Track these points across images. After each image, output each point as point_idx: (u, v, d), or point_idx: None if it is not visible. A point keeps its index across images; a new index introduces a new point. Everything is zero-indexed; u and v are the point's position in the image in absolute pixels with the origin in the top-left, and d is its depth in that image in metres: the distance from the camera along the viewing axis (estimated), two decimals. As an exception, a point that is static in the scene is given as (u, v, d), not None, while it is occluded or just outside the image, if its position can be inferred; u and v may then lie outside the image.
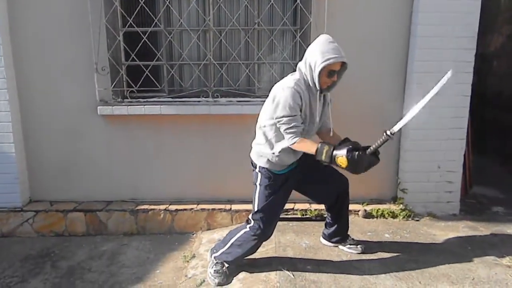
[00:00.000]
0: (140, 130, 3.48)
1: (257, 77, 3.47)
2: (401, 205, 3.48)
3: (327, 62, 2.17)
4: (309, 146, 2.26)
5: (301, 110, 2.28)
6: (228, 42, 3.43)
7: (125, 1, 3.35)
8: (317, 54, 2.20)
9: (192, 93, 3.47)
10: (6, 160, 3.43)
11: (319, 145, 2.23)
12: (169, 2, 3.30)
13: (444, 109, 3.28)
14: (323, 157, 2.20)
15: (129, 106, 3.37)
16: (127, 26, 3.35)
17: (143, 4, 3.26)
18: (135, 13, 3.30)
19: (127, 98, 3.45)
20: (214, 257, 2.65)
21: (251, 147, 2.57)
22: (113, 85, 3.37)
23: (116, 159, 3.55)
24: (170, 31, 3.41)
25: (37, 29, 3.30)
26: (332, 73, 2.25)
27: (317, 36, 2.32)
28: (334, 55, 2.18)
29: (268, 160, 2.42)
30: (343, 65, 2.27)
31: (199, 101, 3.41)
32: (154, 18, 3.30)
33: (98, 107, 3.37)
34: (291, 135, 2.26)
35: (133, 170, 3.57)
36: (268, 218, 2.48)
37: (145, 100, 3.42)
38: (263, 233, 2.49)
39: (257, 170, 2.49)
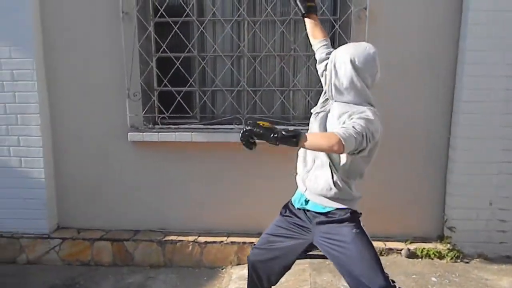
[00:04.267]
0: (170, 157, 3.37)
1: (292, 104, 3.32)
2: (448, 244, 3.20)
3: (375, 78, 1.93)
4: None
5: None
6: (263, 68, 3.31)
7: (159, 26, 3.31)
8: None
9: (224, 120, 3.35)
10: (35, 186, 3.39)
11: None
12: (203, 28, 3.23)
13: (493, 141, 3.03)
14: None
15: (159, 133, 3.28)
16: (160, 52, 3.30)
17: (176, 30, 3.20)
18: (169, 38, 3.24)
19: (158, 124, 3.36)
20: None
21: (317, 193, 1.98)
22: (144, 111, 3.30)
23: (144, 187, 3.44)
24: (204, 56, 3.33)
25: (70, 54, 3.29)
26: None
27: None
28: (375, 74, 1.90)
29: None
30: None
31: (231, 129, 3.28)
32: (188, 44, 3.23)
33: (129, 133, 3.30)
34: None
35: (162, 198, 3.45)
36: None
37: (176, 126, 3.32)
38: None
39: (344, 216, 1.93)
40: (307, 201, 1.99)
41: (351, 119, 1.76)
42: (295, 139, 1.66)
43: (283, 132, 1.67)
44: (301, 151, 2.01)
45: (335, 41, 3.20)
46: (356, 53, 1.81)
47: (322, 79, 2.08)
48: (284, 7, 3.24)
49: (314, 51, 2.17)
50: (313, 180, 1.94)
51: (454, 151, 3.11)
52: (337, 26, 3.13)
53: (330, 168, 1.88)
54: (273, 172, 3.22)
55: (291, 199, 2.11)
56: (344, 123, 1.78)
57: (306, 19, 2.17)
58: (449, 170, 3.19)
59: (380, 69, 1.85)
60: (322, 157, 1.91)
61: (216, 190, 3.39)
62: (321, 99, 2.03)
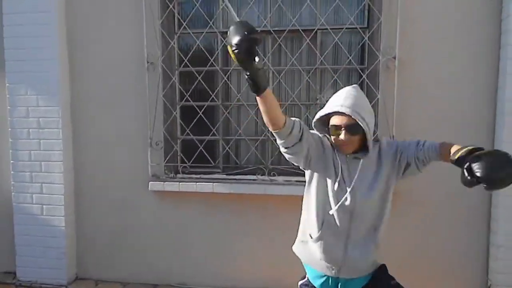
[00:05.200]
0: (192, 208, 3.26)
1: (318, 155, 3.17)
2: (492, 312, 2.87)
3: (320, 114, 1.75)
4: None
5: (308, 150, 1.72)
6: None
7: (183, 75, 3.29)
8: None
9: (247, 171, 3.22)
10: (55, 234, 3.34)
11: None
12: (227, 78, 3.18)
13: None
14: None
15: (180, 183, 3.19)
16: (184, 100, 3.26)
17: (200, 80, 3.16)
18: (193, 87, 3.20)
19: (180, 174, 3.28)
20: None
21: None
22: (166, 160, 3.23)
23: (164, 238, 3.32)
24: (228, 105, 3.26)
25: (94, 101, 3.30)
26: (334, 129, 1.70)
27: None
28: (327, 106, 1.73)
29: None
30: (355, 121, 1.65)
31: (254, 180, 3.15)
32: (211, 93, 3.17)
33: (150, 182, 3.22)
34: None
35: (182, 251, 3.31)
36: None
37: (198, 176, 3.23)
38: None
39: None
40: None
41: None
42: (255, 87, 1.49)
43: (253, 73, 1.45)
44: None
45: (363, 90, 3.07)
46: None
47: None
48: (310, 57, 3.16)
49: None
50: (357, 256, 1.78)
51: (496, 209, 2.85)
52: (364, 76, 3.00)
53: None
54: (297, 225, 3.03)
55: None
56: None
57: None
58: (492, 231, 2.90)
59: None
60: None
61: (239, 243, 3.22)
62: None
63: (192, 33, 3.14)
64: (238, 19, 1.49)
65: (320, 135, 1.80)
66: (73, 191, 3.40)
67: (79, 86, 3.32)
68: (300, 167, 1.82)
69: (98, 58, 3.26)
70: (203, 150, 3.22)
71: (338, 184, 1.72)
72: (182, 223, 3.30)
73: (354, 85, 1.77)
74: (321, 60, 3.04)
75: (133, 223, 3.36)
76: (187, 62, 3.16)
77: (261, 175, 3.16)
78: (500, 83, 2.80)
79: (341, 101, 1.68)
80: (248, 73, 1.46)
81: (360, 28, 3.00)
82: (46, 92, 3.25)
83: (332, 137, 1.73)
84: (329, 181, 1.75)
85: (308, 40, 3.03)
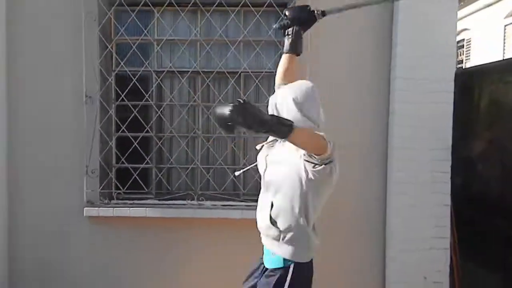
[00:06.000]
0: (126, 232, 3.48)
1: (242, 182, 3.56)
2: (389, 317, 3.36)
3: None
4: None
5: None
6: (215, 148, 3.59)
7: (120, 109, 3.57)
8: None
9: (178, 196, 3.53)
10: (-14, 263, 3.40)
11: None
12: (161, 112, 3.52)
13: (424, 220, 3.34)
14: None
15: (115, 208, 3.42)
16: (120, 131, 3.53)
17: (136, 113, 3.47)
18: (128, 120, 3.49)
19: (114, 199, 3.51)
20: None
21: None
22: (101, 187, 3.46)
23: (99, 264, 3.49)
24: (161, 137, 3.58)
25: (33, 132, 3.47)
26: None
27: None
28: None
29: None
30: None
31: (184, 204, 3.46)
32: (146, 126, 3.49)
33: (85, 208, 3.42)
34: None
35: (117, 275, 3.50)
36: None
37: (131, 202, 3.48)
38: None
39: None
40: None
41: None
42: (288, 127, 1.62)
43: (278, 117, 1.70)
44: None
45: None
46: (295, 90, 1.91)
47: None
48: (235, 96, 3.59)
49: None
50: None
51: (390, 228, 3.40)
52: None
53: None
54: (221, 247, 3.39)
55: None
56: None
57: (286, 55, 2.18)
58: (388, 245, 3.43)
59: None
60: None
61: (170, 266, 3.49)
62: (268, 140, 2.12)
63: (129, 71, 3.46)
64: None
65: None
66: (6, 220, 3.49)
67: (17, 117, 3.47)
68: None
69: (38, 92, 3.44)
70: (137, 178, 3.49)
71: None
72: (116, 247, 3.49)
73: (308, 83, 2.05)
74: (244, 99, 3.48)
75: (66, 249, 3.49)
76: (124, 97, 3.47)
77: (191, 200, 3.49)
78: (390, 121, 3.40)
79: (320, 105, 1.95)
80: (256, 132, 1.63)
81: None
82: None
83: None
84: None
85: (233, 81, 3.47)
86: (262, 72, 3.45)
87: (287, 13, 2.14)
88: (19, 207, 3.50)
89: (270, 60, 3.49)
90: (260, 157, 2.15)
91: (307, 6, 2.17)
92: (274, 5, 3.34)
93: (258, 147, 2.17)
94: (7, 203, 3.50)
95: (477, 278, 4.21)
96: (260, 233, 2.11)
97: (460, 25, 8.77)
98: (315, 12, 2.13)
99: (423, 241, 3.36)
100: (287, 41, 2.16)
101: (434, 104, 3.29)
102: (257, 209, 2.12)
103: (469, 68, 7.90)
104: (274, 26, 2.25)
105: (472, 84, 4.50)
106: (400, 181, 3.34)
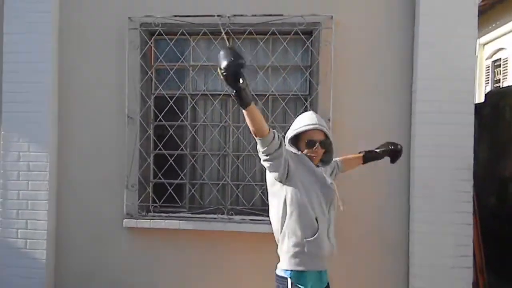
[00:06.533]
0: (161, 242, 3.76)
1: (269, 198, 3.77)
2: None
3: (298, 130, 2.22)
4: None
5: (289, 164, 2.13)
6: (245, 166, 3.83)
7: (158, 128, 3.89)
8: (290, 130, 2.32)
9: (209, 210, 3.78)
10: (36, 266, 3.74)
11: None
12: (194, 132, 3.81)
13: (446, 237, 3.43)
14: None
15: (151, 220, 3.71)
16: (157, 149, 3.84)
17: (172, 133, 3.77)
18: (165, 138, 3.80)
19: (151, 212, 3.80)
20: None
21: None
22: (139, 200, 3.76)
23: (136, 270, 3.78)
24: (194, 154, 3.86)
25: (80, 151, 3.84)
26: (311, 144, 2.20)
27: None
28: (305, 123, 2.21)
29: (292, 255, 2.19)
30: (326, 136, 2.24)
31: (215, 218, 3.70)
32: (181, 144, 3.79)
33: (124, 219, 3.72)
34: None
35: (152, 281, 3.77)
36: None
37: (166, 215, 3.76)
38: None
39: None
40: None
41: None
42: (253, 100, 1.90)
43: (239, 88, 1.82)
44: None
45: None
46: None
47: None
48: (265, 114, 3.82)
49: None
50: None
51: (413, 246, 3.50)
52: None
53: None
54: (250, 259, 3.59)
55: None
56: None
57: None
58: (411, 263, 3.52)
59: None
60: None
61: (201, 274, 3.72)
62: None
63: (166, 94, 3.78)
64: (228, 45, 1.98)
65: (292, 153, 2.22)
66: (55, 227, 3.85)
67: (65, 136, 3.86)
68: (278, 176, 2.12)
69: (85, 112, 3.84)
70: (172, 192, 3.77)
71: (320, 183, 2.20)
72: (152, 257, 3.78)
73: (311, 111, 2.51)
74: (272, 120, 3.73)
75: (107, 256, 3.81)
76: (161, 118, 3.78)
77: (221, 214, 3.73)
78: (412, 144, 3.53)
79: (315, 120, 2.19)
80: (234, 91, 1.83)
81: (302, 95, 3.73)
82: (36, 139, 3.77)
83: (306, 150, 2.22)
84: (309, 182, 2.17)
85: (261, 103, 3.73)
86: (289, 95, 3.69)
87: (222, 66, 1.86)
88: (67, 216, 3.86)
89: (296, 84, 3.72)
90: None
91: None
92: (300, 33, 3.59)
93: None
94: (56, 212, 3.86)
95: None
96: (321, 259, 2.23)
97: (496, 45, 8.72)
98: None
99: (445, 259, 3.43)
100: (235, 96, 1.90)
101: (454, 125, 3.41)
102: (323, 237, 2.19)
103: (501, 88, 7.85)
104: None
105: (504, 104, 4.56)
106: (419, 195, 3.46)
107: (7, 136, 3.80)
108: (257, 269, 3.55)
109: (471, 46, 3.46)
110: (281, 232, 2.22)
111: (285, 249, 2.20)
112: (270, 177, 2.21)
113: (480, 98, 7.72)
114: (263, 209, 3.74)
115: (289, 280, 2.16)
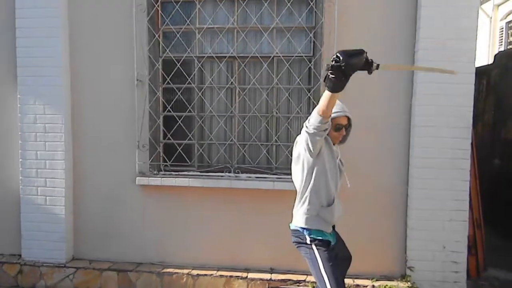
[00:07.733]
0: (171, 199, 3.97)
1: (274, 157, 3.93)
2: (409, 282, 3.64)
3: (334, 115, 2.44)
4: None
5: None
6: (250, 127, 3.96)
7: (166, 91, 4.02)
8: None
9: (217, 169, 3.96)
10: (56, 221, 4.00)
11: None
12: (202, 94, 3.93)
13: (444, 192, 3.56)
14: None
15: (162, 178, 3.91)
16: (166, 111, 3.99)
17: (179, 95, 3.90)
18: (173, 101, 3.94)
19: (162, 171, 4.00)
20: None
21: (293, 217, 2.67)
22: (150, 160, 3.94)
23: (148, 225, 4.02)
24: (202, 116, 4.00)
25: (93, 112, 4.01)
26: (339, 127, 2.53)
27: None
28: (338, 110, 2.49)
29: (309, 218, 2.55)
30: (349, 121, 2.58)
31: (222, 176, 3.89)
32: (188, 106, 3.92)
33: (137, 178, 3.93)
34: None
35: (163, 235, 4.01)
36: None
37: (176, 173, 3.95)
38: None
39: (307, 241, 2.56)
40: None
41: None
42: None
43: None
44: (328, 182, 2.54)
45: (310, 107, 3.84)
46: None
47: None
48: (268, 79, 3.93)
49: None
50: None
51: (411, 200, 3.65)
52: (309, 94, 3.78)
53: None
54: (255, 214, 3.80)
55: (327, 240, 2.57)
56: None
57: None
58: (409, 216, 3.69)
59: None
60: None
61: (208, 229, 3.95)
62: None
63: (173, 57, 3.89)
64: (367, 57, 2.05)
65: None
66: (72, 184, 4.08)
67: (79, 98, 4.01)
68: (313, 151, 2.41)
69: (96, 75, 3.97)
70: (181, 152, 3.95)
71: (335, 161, 2.58)
72: (163, 212, 4.00)
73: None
74: (276, 81, 3.83)
75: (121, 211, 4.05)
76: (169, 81, 3.91)
77: (228, 172, 3.91)
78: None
79: (343, 107, 2.53)
80: (334, 77, 2.03)
81: (306, 56, 3.80)
82: (51, 102, 3.94)
83: (336, 132, 2.54)
84: (330, 159, 2.54)
85: (266, 65, 3.82)
86: (293, 56, 3.76)
87: (340, 56, 1.99)
88: (83, 176, 4.08)
89: (300, 45, 3.79)
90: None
91: (364, 53, 2.04)
92: (304, -6, 3.63)
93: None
94: (72, 171, 4.08)
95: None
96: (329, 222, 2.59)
97: (511, 5, 8.54)
98: (373, 64, 2.05)
99: (443, 213, 3.59)
100: (331, 82, 2.07)
101: (455, 84, 3.47)
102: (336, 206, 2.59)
103: (510, 49, 7.74)
104: (324, 69, 2.38)
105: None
106: (420, 156, 3.58)
107: (23, 99, 3.97)
108: (262, 222, 3.79)
109: (475, 4, 3.47)
110: (302, 197, 2.58)
111: (303, 211, 2.57)
112: (301, 148, 2.51)
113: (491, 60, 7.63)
114: (268, 167, 3.92)
115: (305, 231, 2.57)
